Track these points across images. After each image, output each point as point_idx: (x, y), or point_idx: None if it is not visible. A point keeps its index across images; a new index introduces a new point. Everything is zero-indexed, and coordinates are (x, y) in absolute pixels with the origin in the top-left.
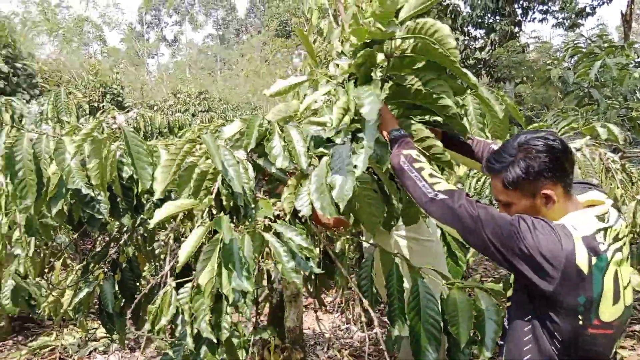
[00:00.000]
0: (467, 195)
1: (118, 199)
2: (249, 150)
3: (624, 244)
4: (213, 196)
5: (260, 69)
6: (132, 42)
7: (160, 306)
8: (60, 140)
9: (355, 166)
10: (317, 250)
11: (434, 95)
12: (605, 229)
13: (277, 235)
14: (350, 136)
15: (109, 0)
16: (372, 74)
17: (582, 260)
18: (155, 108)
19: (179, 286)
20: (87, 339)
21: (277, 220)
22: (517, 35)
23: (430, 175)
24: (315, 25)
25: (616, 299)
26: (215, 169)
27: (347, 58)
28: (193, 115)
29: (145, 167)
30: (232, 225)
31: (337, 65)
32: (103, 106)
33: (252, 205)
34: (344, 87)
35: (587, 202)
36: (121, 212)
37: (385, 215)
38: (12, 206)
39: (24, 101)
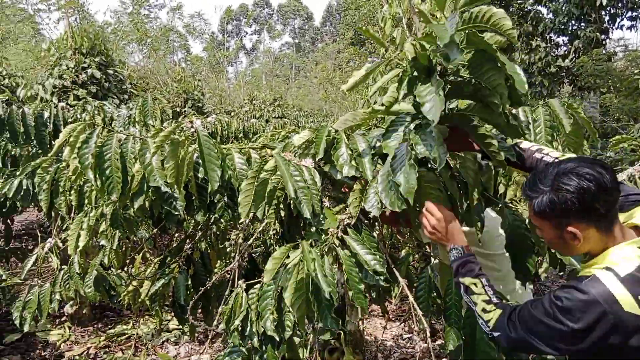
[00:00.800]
0: (512, 311)
1: (193, 198)
2: (317, 159)
3: None
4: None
5: (334, 76)
6: (213, 51)
7: (233, 308)
8: (144, 141)
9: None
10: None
11: (482, 87)
12: None
13: (348, 247)
14: (408, 130)
15: (194, 11)
16: (433, 81)
17: (631, 305)
18: (232, 114)
19: (248, 287)
20: (160, 329)
21: (347, 228)
22: (604, 42)
23: (483, 310)
24: (388, 34)
25: None
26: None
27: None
28: (267, 121)
29: (215, 169)
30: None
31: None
32: (184, 111)
33: (320, 217)
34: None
35: (630, 225)
36: (195, 209)
37: None
38: (100, 201)
39: (114, 105)
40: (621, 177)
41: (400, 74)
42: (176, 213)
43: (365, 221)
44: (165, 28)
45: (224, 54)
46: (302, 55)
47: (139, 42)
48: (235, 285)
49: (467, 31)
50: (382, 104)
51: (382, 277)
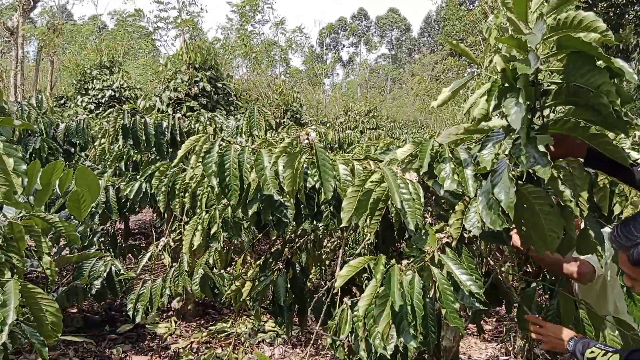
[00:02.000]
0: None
1: (301, 206)
2: (421, 173)
3: None
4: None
5: (431, 88)
6: (312, 64)
7: (339, 324)
8: (259, 152)
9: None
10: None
11: (581, 90)
12: None
13: (442, 266)
14: (509, 143)
15: (295, 26)
16: (519, 83)
17: None
18: (327, 124)
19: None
20: (257, 329)
21: (446, 247)
22: None
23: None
24: (493, 44)
25: None
26: (387, 195)
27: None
28: (361, 132)
29: (329, 180)
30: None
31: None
32: (284, 122)
33: (422, 233)
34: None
35: None
36: (303, 217)
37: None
38: (210, 204)
39: (224, 116)
40: None
41: (490, 86)
42: (286, 220)
43: (466, 241)
44: (268, 42)
45: (321, 66)
46: (398, 67)
47: (245, 57)
48: (338, 299)
49: (557, 37)
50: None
51: (478, 299)
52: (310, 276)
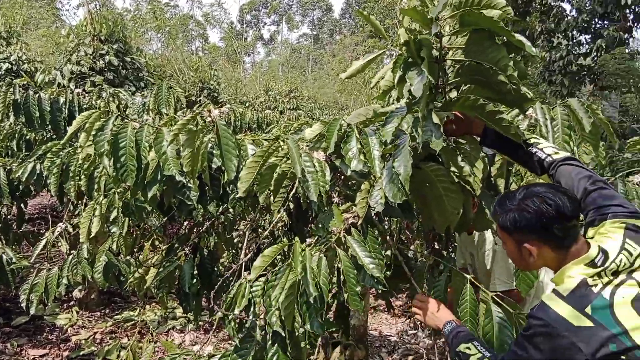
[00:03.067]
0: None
1: (206, 188)
2: (328, 153)
3: (632, 269)
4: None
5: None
6: (231, 41)
7: (235, 296)
8: (160, 130)
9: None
10: (387, 253)
11: (481, 67)
12: (597, 273)
13: (348, 248)
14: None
15: (213, 0)
16: (423, 52)
17: (579, 319)
18: (247, 104)
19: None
20: (166, 316)
21: (352, 228)
22: (627, 41)
23: None
24: (407, 27)
25: None
26: (293, 172)
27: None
28: (281, 112)
29: (232, 159)
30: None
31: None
32: (200, 100)
33: (325, 209)
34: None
35: (589, 239)
36: (208, 200)
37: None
38: (110, 187)
39: (130, 93)
40: (637, 179)
41: (395, 59)
42: (189, 203)
43: (376, 218)
44: (183, 16)
45: (241, 43)
46: (319, 47)
47: (158, 30)
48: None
49: (460, 14)
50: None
51: (379, 282)
52: (223, 260)
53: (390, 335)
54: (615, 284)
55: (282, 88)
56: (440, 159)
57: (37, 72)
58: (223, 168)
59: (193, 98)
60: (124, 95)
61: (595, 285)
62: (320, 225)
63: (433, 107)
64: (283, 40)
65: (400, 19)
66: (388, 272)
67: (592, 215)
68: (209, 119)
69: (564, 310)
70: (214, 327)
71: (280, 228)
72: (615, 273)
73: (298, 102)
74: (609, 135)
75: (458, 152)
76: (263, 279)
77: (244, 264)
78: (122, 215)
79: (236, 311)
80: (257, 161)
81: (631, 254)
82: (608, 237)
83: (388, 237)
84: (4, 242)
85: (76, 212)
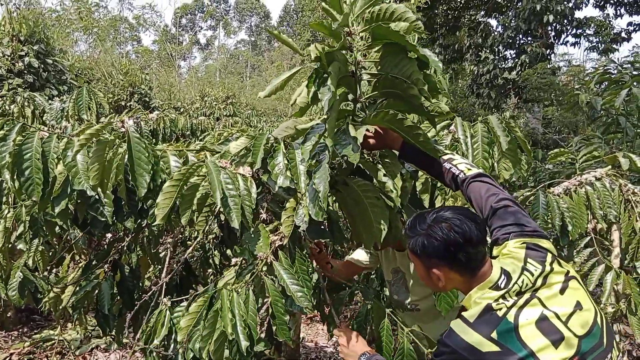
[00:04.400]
0: None
1: (123, 202)
2: (254, 169)
3: (535, 288)
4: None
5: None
6: (164, 44)
7: (154, 326)
8: (69, 140)
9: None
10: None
11: (396, 81)
12: (501, 295)
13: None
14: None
15: (145, 2)
16: (331, 67)
17: (487, 345)
18: (181, 110)
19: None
20: (89, 335)
21: (279, 250)
22: (549, 57)
23: None
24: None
25: (557, 342)
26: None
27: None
28: (217, 119)
29: (143, 175)
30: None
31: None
32: (130, 105)
33: (251, 231)
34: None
35: (494, 258)
36: (125, 215)
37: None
38: (19, 201)
39: (47, 97)
40: (557, 190)
41: (310, 75)
42: (103, 219)
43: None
44: (113, 18)
45: (175, 47)
46: (258, 54)
47: (85, 32)
48: (161, 301)
49: (372, 28)
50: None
51: (307, 309)
52: (149, 275)
53: (326, 346)
54: (519, 306)
55: (219, 94)
56: (366, 175)
57: None
58: (134, 184)
59: (123, 103)
60: (40, 99)
61: (500, 309)
62: (245, 247)
63: (351, 120)
64: (220, 45)
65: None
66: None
67: (496, 234)
68: (122, 129)
69: (470, 337)
70: (132, 350)
71: (212, 240)
72: (519, 294)
73: (235, 109)
74: (526, 152)
75: (380, 167)
76: (184, 304)
77: (164, 289)
78: (29, 230)
79: (156, 342)
80: (176, 185)
81: (532, 274)
82: (510, 257)
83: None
84: None
85: None
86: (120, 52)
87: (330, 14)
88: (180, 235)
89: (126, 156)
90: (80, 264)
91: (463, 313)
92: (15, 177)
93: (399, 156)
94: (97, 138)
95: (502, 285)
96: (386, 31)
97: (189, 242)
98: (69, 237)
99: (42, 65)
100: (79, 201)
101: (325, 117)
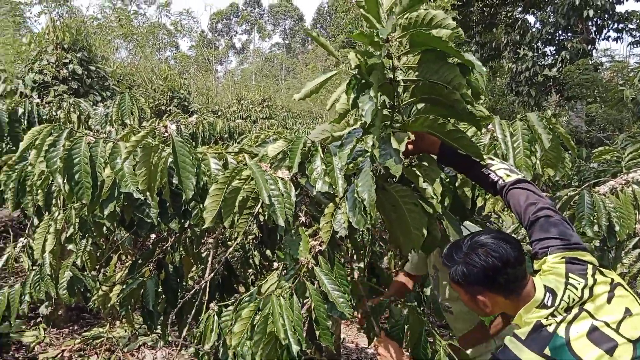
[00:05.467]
0: None
1: (167, 204)
2: (292, 173)
3: (582, 302)
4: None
5: None
6: (201, 49)
7: (204, 331)
8: (116, 145)
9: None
10: (361, 264)
11: (436, 86)
12: (550, 313)
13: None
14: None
15: (182, 9)
16: (372, 77)
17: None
18: (218, 113)
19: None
20: (136, 333)
21: (319, 255)
22: (590, 53)
23: None
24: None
25: (611, 350)
26: (257, 194)
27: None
28: (254, 122)
29: (189, 177)
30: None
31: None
32: (170, 110)
33: (292, 234)
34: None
35: (536, 273)
36: (169, 217)
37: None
38: (68, 204)
39: (92, 103)
40: (603, 189)
41: (349, 81)
42: (149, 220)
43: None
44: (152, 25)
45: (211, 52)
46: (292, 56)
47: (125, 38)
48: (206, 302)
49: (410, 34)
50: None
51: (348, 315)
52: (192, 274)
53: (367, 348)
54: (569, 321)
55: (255, 97)
56: (404, 179)
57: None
58: (181, 187)
59: (163, 107)
60: (85, 105)
61: (550, 325)
62: (286, 251)
63: (391, 129)
64: (255, 49)
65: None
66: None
67: (535, 247)
68: (166, 134)
69: (524, 355)
70: (179, 347)
71: (251, 241)
72: (568, 309)
73: (271, 111)
74: (570, 149)
75: (419, 173)
76: (232, 307)
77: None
78: (79, 232)
79: (206, 347)
80: (221, 188)
81: (576, 288)
82: (551, 273)
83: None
84: None
85: (36, 227)
86: (159, 58)
87: (369, 21)
88: (221, 236)
89: (169, 160)
90: (126, 264)
91: (515, 331)
92: (66, 181)
93: (438, 160)
94: (143, 144)
95: (549, 304)
96: (427, 38)
97: (229, 243)
98: (115, 238)
99: (86, 72)
100: (125, 203)
101: (364, 122)
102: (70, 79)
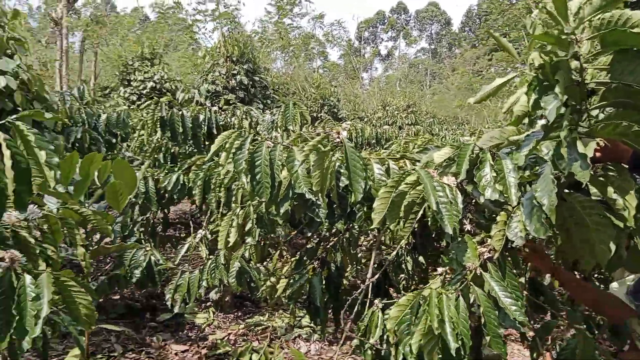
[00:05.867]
0: None
1: (334, 205)
2: (458, 180)
3: None
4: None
5: (472, 83)
6: (349, 57)
7: (369, 326)
8: (291, 149)
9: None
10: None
11: (631, 90)
12: None
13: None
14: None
15: (333, 20)
16: (558, 76)
17: None
18: (365, 119)
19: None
20: (292, 324)
21: (488, 263)
22: None
23: None
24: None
25: None
26: (422, 198)
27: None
28: (400, 127)
29: (359, 181)
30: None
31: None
32: (320, 116)
33: (458, 241)
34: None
35: None
36: (336, 217)
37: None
38: (245, 200)
39: (260, 110)
40: None
41: (530, 82)
42: (318, 220)
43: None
44: (306, 36)
45: (359, 60)
46: (438, 61)
47: (282, 50)
48: (369, 300)
49: (602, 34)
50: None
51: (522, 324)
52: (347, 274)
53: None
54: None
55: (400, 103)
56: (585, 189)
57: (177, 90)
58: (350, 189)
59: (314, 114)
60: (254, 113)
61: None
62: (452, 257)
63: (577, 134)
64: (400, 55)
65: (530, 31)
66: None
67: None
68: (338, 139)
69: None
70: (341, 341)
71: (404, 247)
72: None
73: (417, 117)
74: None
75: (608, 183)
76: (394, 308)
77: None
78: (255, 226)
79: (372, 340)
80: (390, 191)
81: None
82: None
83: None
84: (152, 244)
85: (211, 220)
86: (309, 67)
87: (556, 20)
88: (375, 239)
89: (337, 163)
90: (284, 259)
91: None
92: (249, 180)
93: (630, 169)
94: (317, 148)
95: None
96: (623, 36)
97: (382, 247)
98: (273, 235)
99: (251, 82)
100: (295, 203)
101: (545, 124)
102: (237, 88)
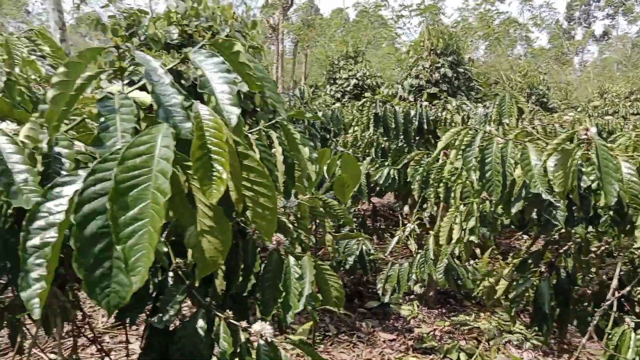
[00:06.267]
0: None
1: (574, 207)
2: None
3: None
4: None
5: None
6: (560, 41)
7: (620, 346)
8: (525, 147)
9: None
10: None
11: None
12: None
13: None
14: None
15: (543, 1)
16: None
17: None
18: (578, 109)
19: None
20: (501, 328)
21: None
22: None
23: None
24: None
25: None
26: None
27: None
28: (624, 118)
29: (612, 183)
30: None
31: None
32: (528, 107)
33: None
34: None
35: None
36: (576, 220)
37: None
38: (464, 196)
39: (472, 103)
40: None
41: None
42: (555, 222)
43: None
44: (510, 20)
45: (572, 43)
46: None
47: (486, 38)
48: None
49: None
50: None
51: None
52: (579, 281)
53: None
54: None
55: (621, 90)
56: None
57: (379, 86)
58: (600, 192)
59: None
60: (467, 106)
61: None
62: None
63: None
64: (620, 34)
65: None
66: None
67: None
68: (584, 136)
69: None
70: (561, 352)
71: None
72: None
73: None
74: None
75: None
76: None
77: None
78: (478, 225)
79: None
80: None
81: None
82: None
83: None
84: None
85: (415, 216)
86: (511, 55)
87: None
88: (607, 246)
89: (579, 162)
90: (494, 259)
91: None
92: (478, 177)
93: None
94: (561, 147)
95: None
96: None
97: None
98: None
99: (455, 74)
100: (526, 203)
101: None
102: (440, 81)
